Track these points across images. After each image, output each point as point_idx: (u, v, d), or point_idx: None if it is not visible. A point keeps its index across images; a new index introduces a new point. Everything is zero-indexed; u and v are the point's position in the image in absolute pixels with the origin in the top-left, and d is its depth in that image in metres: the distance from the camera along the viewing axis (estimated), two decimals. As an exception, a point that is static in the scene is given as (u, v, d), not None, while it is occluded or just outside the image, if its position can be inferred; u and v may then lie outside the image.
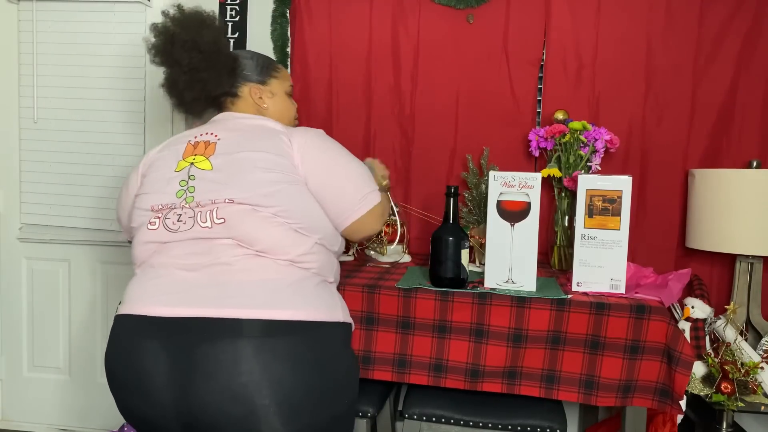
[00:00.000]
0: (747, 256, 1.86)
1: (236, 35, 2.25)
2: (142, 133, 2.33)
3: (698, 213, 1.87)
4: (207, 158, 1.22)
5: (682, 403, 1.41)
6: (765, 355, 1.76)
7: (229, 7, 2.25)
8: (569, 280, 1.58)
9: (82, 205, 2.37)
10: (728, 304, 1.81)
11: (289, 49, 2.21)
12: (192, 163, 1.23)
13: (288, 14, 2.20)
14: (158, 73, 2.28)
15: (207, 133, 1.29)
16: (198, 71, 1.36)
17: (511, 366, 1.45)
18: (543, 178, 1.95)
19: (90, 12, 2.31)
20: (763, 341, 1.80)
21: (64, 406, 2.49)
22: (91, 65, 2.33)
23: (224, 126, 1.32)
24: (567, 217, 1.89)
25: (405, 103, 2.16)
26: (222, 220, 1.16)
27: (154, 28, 1.38)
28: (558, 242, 1.90)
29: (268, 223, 1.17)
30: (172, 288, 1.14)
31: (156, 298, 1.14)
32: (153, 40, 1.38)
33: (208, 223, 1.16)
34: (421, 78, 2.14)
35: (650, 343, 1.40)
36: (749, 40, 1.96)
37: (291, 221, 1.19)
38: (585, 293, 1.52)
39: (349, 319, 1.28)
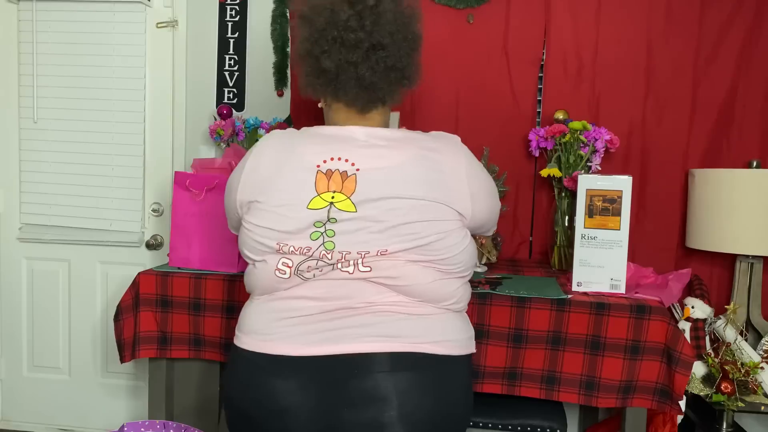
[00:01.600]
0: (747, 256, 1.86)
1: (236, 35, 2.25)
2: (142, 133, 2.32)
3: (698, 213, 1.87)
4: (348, 197, 1.06)
5: (682, 404, 1.41)
6: (765, 355, 1.76)
7: (229, 7, 2.25)
8: (569, 280, 1.58)
9: (82, 205, 2.37)
10: (728, 304, 1.81)
11: (289, 49, 2.21)
12: (332, 203, 1.06)
13: (288, 14, 2.20)
14: (158, 73, 2.30)
15: (339, 159, 1.09)
16: (404, 63, 1.18)
17: (511, 367, 1.45)
18: (543, 177, 1.96)
19: (90, 12, 2.31)
20: (763, 341, 1.80)
21: (64, 406, 2.49)
22: (91, 65, 2.32)
23: (360, 150, 1.10)
24: (567, 217, 1.89)
25: (405, 102, 2.16)
26: (368, 269, 1.07)
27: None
28: (558, 242, 1.90)
29: (425, 276, 1.08)
30: (311, 326, 1.08)
31: (294, 338, 1.08)
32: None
33: (351, 269, 1.07)
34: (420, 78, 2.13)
35: (650, 343, 1.40)
36: (749, 40, 1.96)
37: (446, 267, 1.10)
38: (585, 293, 1.52)
39: (474, 348, 1.21)
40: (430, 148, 1.11)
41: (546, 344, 1.44)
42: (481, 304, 1.46)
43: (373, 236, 1.05)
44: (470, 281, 1.60)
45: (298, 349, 1.06)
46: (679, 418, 1.59)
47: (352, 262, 1.06)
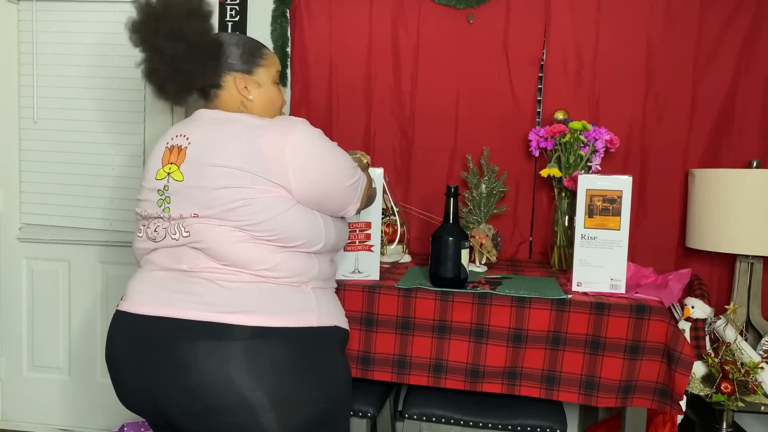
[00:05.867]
0: (747, 256, 1.86)
1: (236, 35, 2.25)
2: (142, 133, 2.33)
3: (698, 213, 1.87)
4: (179, 167, 1.20)
5: (682, 403, 1.41)
6: (765, 355, 1.76)
7: (229, 7, 2.25)
8: (569, 280, 1.58)
9: (82, 205, 2.37)
10: (728, 304, 1.81)
11: (289, 49, 2.21)
12: (169, 174, 1.21)
13: (288, 14, 2.20)
14: (158, 73, 2.30)
15: (180, 135, 1.25)
16: (182, 63, 1.26)
17: (511, 366, 1.45)
18: (543, 177, 1.96)
19: (90, 12, 2.31)
20: (763, 341, 1.80)
21: (64, 406, 2.49)
22: (91, 65, 2.32)
23: (197, 128, 1.24)
24: (567, 217, 1.89)
25: (405, 103, 2.16)
26: (188, 234, 1.17)
27: (138, 6, 1.27)
28: (558, 242, 1.90)
29: (228, 239, 1.15)
30: (148, 288, 1.21)
31: (136, 296, 1.21)
32: (135, 19, 1.28)
33: (177, 235, 1.19)
34: (421, 78, 2.14)
35: (650, 343, 1.40)
36: (749, 40, 1.96)
37: (258, 233, 1.16)
38: (585, 293, 1.52)
39: (331, 323, 1.25)
40: (254, 125, 1.21)
41: (546, 344, 1.44)
42: (481, 304, 1.46)
43: (191, 200, 1.17)
44: (471, 281, 1.61)
45: (136, 307, 1.19)
46: (679, 418, 1.59)
47: (176, 228, 1.19)
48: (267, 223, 1.16)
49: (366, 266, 1.58)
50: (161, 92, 1.32)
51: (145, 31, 1.28)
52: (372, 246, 1.59)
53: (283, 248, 1.19)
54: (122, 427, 2.03)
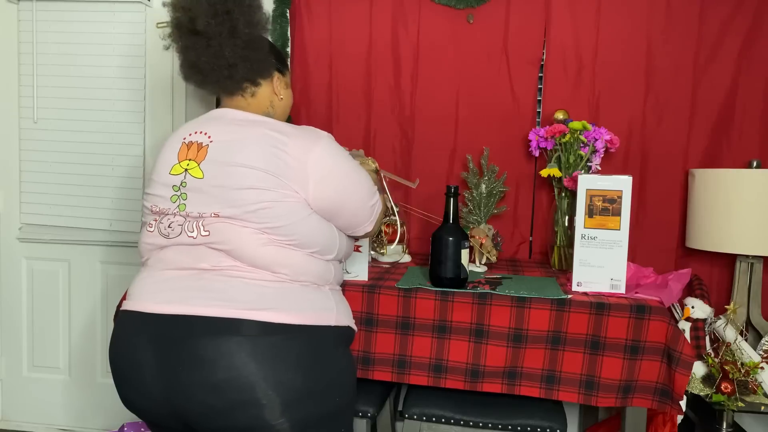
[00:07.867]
0: (747, 256, 1.86)
1: (236, 35, 2.25)
2: (142, 133, 2.33)
3: (698, 213, 1.87)
4: (198, 164, 1.19)
5: (682, 403, 1.41)
6: (765, 355, 1.76)
7: (229, 7, 2.25)
8: (569, 280, 1.58)
9: (82, 205, 2.37)
10: (728, 304, 1.81)
11: (289, 49, 2.21)
12: (186, 170, 1.20)
13: (288, 14, 2.20)
14: (158, 73, 2.30)
15: (200, 132, 1.23)
16: (252, 50, 1.27)
17: (511, 366, 1.45)
18: (543, 177, 1.96)
19: (90, 12, 2.31)
20: (763, 341, 1.80)
21: (64, 406, 2.49)
22: (91, 65, 2.32)
23: (219, 126, 1.24)
24: (567, 217, 1.89)
25: (405, 103, 2.16)
26: (207, 233, 1.17)
27: None
28: (558, 242, 1.90)
29: (253, 241, 1.16)
30: (162, 287, 1.18)
31: (148, 295, 1.19)
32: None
33: (195, 233, 1.18)
34: (421, 78, 2.14)
35: (650, 343, 1.40)
36: (749, 40, 1.96)
37: (279, 237, 1.17)
38: (585, 293, 1.52)
39: (345, 323, 1.28)
40: (278, 131, 1.21)
41: (546, 344, 1.44)
42: (481, 304, 1.46)
43: (212, 199, 1.17)
44: (471, 281, 1.61)
45: (149, 306, 1.17)
46: (679, 418, 1.59)
47: (195, 225, 1.18)
48: (288, 228, 1.17)
49: (354, 267, 1.59)
50: (219, 78, 1.27)
51: (217, 10, 1.22)
52: (360, 246, 1.59)
53: (302, 252, 1.21)
54: (122, 427, 2.03)
